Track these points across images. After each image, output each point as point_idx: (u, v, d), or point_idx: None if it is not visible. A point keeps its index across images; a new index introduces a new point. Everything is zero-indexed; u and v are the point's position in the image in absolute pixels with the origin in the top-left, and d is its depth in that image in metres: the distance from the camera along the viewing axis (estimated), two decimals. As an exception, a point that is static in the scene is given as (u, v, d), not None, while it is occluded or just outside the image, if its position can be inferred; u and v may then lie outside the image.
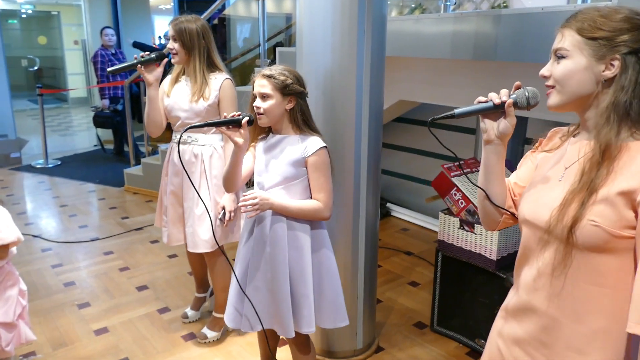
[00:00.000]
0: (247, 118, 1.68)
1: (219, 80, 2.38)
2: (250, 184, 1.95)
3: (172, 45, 2.35)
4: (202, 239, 2.45)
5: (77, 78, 11.21)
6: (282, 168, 1.80)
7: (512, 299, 1.21)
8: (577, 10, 1.05)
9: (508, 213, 1.24)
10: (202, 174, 2.43)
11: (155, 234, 4.11)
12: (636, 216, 0.94)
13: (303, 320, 1.85)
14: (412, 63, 3.22)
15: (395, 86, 3.32)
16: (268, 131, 1.88)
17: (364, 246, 2.42)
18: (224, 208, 2.40)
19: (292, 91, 1.75)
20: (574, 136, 1.14)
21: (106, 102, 6.13)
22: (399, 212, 4.54)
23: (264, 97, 1.75)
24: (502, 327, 1.23)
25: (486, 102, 1.15)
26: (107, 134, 6.92)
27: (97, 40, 7.08)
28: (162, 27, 10.01)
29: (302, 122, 1.81)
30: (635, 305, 0.93)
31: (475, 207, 2.44)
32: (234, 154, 1.72)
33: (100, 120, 6.27)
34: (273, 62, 4.56)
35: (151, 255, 3.73)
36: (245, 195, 1.71)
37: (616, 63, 0.99)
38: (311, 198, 1.84)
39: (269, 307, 1.87)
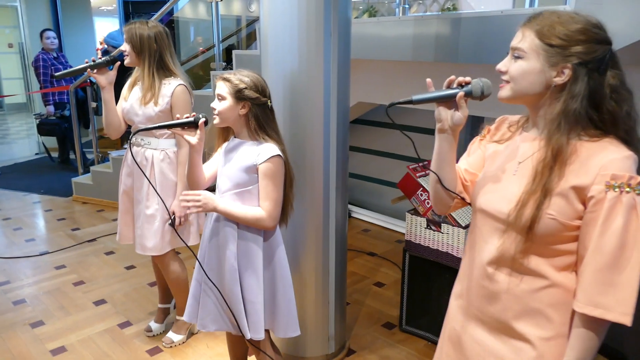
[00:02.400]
0: (203, 119, 1.71)
1: (172, 86, 2.36)
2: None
3: (125, 46, 2.36)
4: (150, 242, 2.44)
5: (13, 83, 10.60)
6: (235, 173, 1.80)
7: (464, 282, 1.28)
8: (539, 12, 1.11)
9: (459, 197, 1.31)
10: (151, 177, 2.41)
11: (110, 245, 3.94)
12: (584, 209, 1.06)
13: (251, 325, 1.87)
14: (370, 65, 3.24)
15: (354, 88, 3.33)
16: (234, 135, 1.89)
17: (334, 249, 2.41)
18: (174, 213, 2.38)
19: (245, 97, 1.74)
20: (524, 128, 1.22)
21: (51, 108, 5.83)
22: (359, 213, 4.57)
23: (219, 98, 1.77)
24: (459, 314, 1.30)
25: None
26: (50, 141, 6.57)
27: (36, 43, 6.73)
28: (103, 29, 9.63)
29: (257, 128, 1.80)
30: (582, 288, 1.06)
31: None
32: (189, 154, 1.76)
33: (46, 128, 5.93)
34: (228, 64, 4.48)
35: (107, 268, 3.56)
36: (191, 194, 1.72)
37: (567, 71, 1.06)
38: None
39: (220, 308, 1.89)
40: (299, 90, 2.17)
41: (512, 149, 1.21)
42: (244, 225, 1.81)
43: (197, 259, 1.89)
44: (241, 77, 1.75)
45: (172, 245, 2.48)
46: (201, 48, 5.72)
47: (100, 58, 2.34)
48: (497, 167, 1.22)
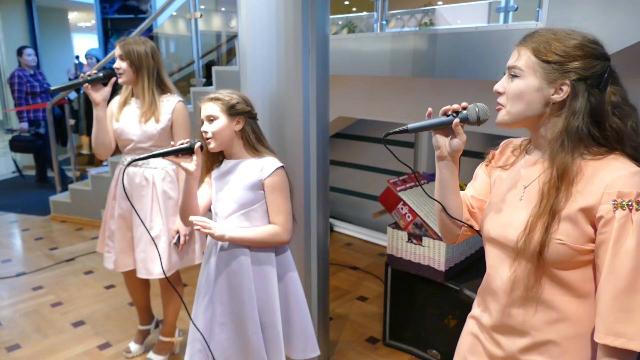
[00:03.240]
0: (199, 143, 1.63)
1: (172, 103, 2.33)
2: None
3: (119, 64, 2.28)
4: (156, 265, 2.35)
5: (-11, 100, 10.43)
6: (238, 193, 1.74)
7: (482, 316, 1.23)
8: (534, 30, 1.10)
9: (466, 225, 1.28)
10: (154, 198, 2.35)
11: (88, 264, 3.87)
12: (595, 231, 1.02)
13: (271, 351, 1.79)
14: (350, 80, 3.27)
15: (334, 103, 3.35)
16: (222, 159, 1.83)
17: (316, 264, 2.40)
18: (178, 232, 2.34)
19: (239, 111, 1.73)
20: (527, 151, 1.19)
21: (24, 125, 5.74)
22: (341, 227, 4.57)
23: (211, 119, 1.71)
24: (473, 349, 1.26)
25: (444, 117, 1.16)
26: (26, 159, 6.47)
27: (13, 60, 6.66)
28: (82, 45, 9.56)
29: (256, 141, 1.78)
30: (601, 317, 0.99)
31: (422, 219, 2.50)
32: (187, 183, 1.66)
33: (19, 144, 5.85)
34: (208, 81, 4.48)
35: (86, 288, 3.50)
36: (202, 220, 1.62)
37: (565, 88, 1.03)
38: (269, 222, 1.78)
39: (237, 342, 1.79)
40: (278, 106, 2.17)
41: (516, 174, 1.17)
42: (255, 247, 1.76)
43: (181, 297, 1.84)
44: (228, 93, 1.74)
45: (177, 266, 2.41)
46: (176, 65, 5.71)
47: (95, 72, 2.26)
48: (503, 193, 1.18)
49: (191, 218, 1.63)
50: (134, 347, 2.69)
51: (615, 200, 0.97)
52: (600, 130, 1.04)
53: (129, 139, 2.34)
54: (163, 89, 2.35)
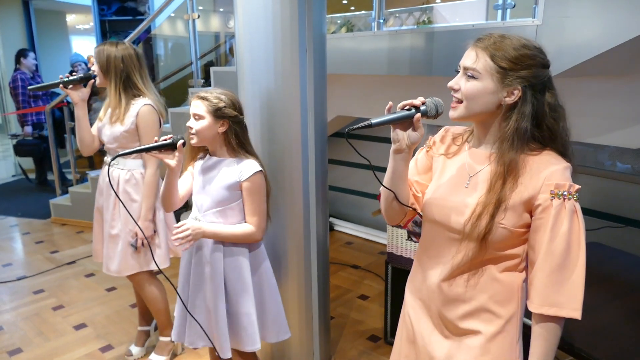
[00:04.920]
0: (182, 141, 1.70)
1: (137, 106, 2.35)
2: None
3: (94, 67, 2.38)
4: (113, 263, 2.43)
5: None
6: (217, 191, 1.81)
7: (417, 286, 1.36)
8: (488, 33, 1.18)
9: (411, 209, 1.37)
10: (116, 198, 2.40)
11: (90, 267, 3.87)
12: (531, 216, 1.17)
13: (247, 338, 1.87)
14: (347, 79, 3.27)
15: (332, 102, 3.35)
16: (207, 151, 1.90)
17: (316, 264, 2.40)
18: (136, 234, 2.37)
19: (225, 115, 1.77)
20: (468, 141, 1.31)
21: (29, 129, 5.74)
22: (342, 225, 4.57)
23: (196, 117, 1.76)
24: (415, 315, 1.38)
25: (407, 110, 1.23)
26: (25, 162, 6.46)
27: (11, 63, 6.66)
28: (81, 48, 9.56)
29: (237, 145, 1.84)
30: (537, 290, 1.16)
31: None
32: (167, 176, 1.74)
33: (25, 149, 5.85)
34: (206, 81, 4.48)
35: (87, 290, 3.50)
36: (177, 228, 1.71)
37: (516, 92, 1.15)
38: (245, 221, 1.86)
39: (208, 326, 1.89)
40: (275, 106, 2.18)
41: (462, 163, 1.29)
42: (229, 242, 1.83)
43: (175, 288, 1.87)
44: (218, 95, 1.77)
45: (141, 267, 2.43)
46: (175, 66, 5.72)
47: (74, 73, 2.33)
48: (449, 180, 1.29)
49: (173, 238, 1.71)
50: (135, 349, 2.70)
51: (553, 191, 1.13)
52: (539, 130, 1.18)
53: (103, 139, 2.44)
54: (136, 92, 2.38)
